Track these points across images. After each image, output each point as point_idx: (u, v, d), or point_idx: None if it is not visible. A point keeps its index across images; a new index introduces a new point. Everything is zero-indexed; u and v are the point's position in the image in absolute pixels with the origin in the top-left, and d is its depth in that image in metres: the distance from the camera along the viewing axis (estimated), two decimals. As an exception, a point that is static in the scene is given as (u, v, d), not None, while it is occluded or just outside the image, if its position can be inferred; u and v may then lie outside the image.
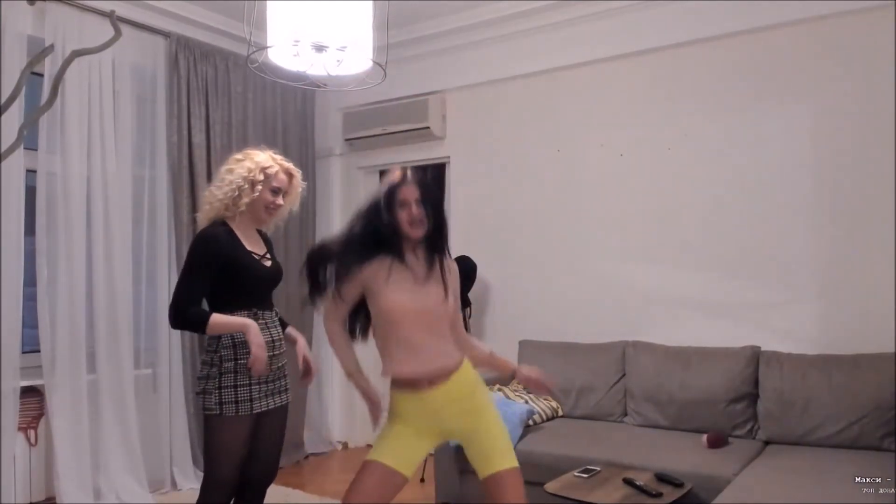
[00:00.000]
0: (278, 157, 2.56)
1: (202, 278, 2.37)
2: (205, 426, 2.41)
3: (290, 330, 2.70)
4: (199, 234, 2.42)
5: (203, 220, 2.47)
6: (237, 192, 2.41)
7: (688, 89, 3.80)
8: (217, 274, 2.38)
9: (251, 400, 2.39)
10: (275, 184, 2.49)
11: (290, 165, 2.59)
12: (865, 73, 3.33)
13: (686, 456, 3.01)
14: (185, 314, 2.33)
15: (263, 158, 2.50)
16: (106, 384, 3.73)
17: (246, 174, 2.42)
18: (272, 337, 2.52)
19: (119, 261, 3.81)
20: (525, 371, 2.36)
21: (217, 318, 2.36)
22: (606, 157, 4.05)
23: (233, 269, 2.40)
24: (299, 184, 2.64)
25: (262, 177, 2.43)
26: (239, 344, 2.39)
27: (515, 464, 2.14)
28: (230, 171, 2.46)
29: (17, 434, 3.45)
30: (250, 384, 2.40)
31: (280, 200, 2.53)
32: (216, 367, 2.37)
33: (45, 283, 3.54)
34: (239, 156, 2.52)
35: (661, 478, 2.75)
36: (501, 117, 4.43)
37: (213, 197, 2.44)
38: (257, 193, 2.43)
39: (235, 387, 2.36)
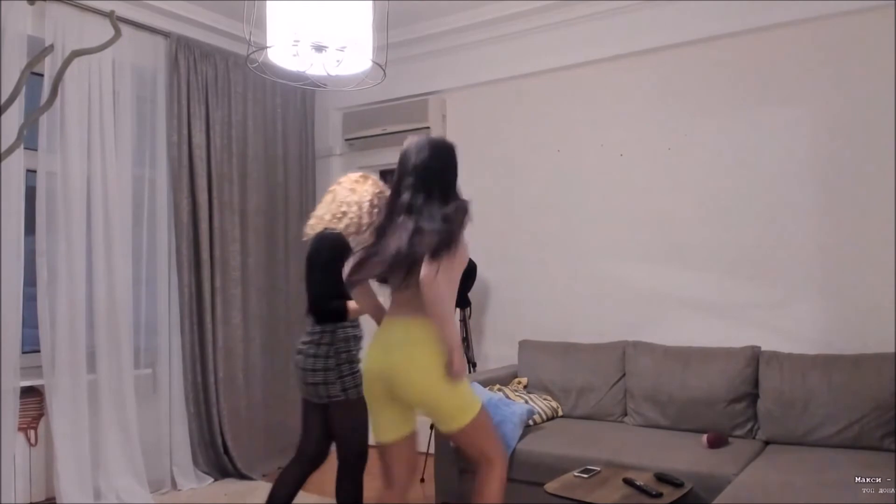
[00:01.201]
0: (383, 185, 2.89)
1: (338, 275, 2.60)
2: (332, 412, 2.77)
3: None
4: (339, 238, 2.74)
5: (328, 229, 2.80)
6: (359, 211, 2.77)
7: (688, 89, 3.80)
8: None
9: (356, 387, 2.75)
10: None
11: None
12: (865, 74, 3.33)
13: (686, 456, 3.01)
14: (331, 305, 2.73)
15: (382, 188, 2.85)
16: (106, 384, 3.73)
17: (369, 197, 2.80)
18: (357, 334, 2.87)
19: (119, 261, 3.81)
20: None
21: (352, 305, 2.74)
22: (606, 157, 4.05)
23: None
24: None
25: (377, 201, 2.79)
26: (351, 338, 2.79)
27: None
28: (352, 190, 2.81)
29: (17, 434, 3.45)
30: (358, 372, 2.76)
31: None
32: (333, 358, 2.73)
33: (45, 283, 3.54)
34: (356, 177, 2.87)
35: (661, 478, 2.75)
36: (501, 117, 4.43)
37: (340, 212, 2.78)
38: (372, 217, 2.75)
39: (353, 374, 2.74)
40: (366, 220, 2.75)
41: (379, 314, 2.56)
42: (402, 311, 2.38)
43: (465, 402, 2.36)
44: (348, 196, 2.79)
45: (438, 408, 2.36)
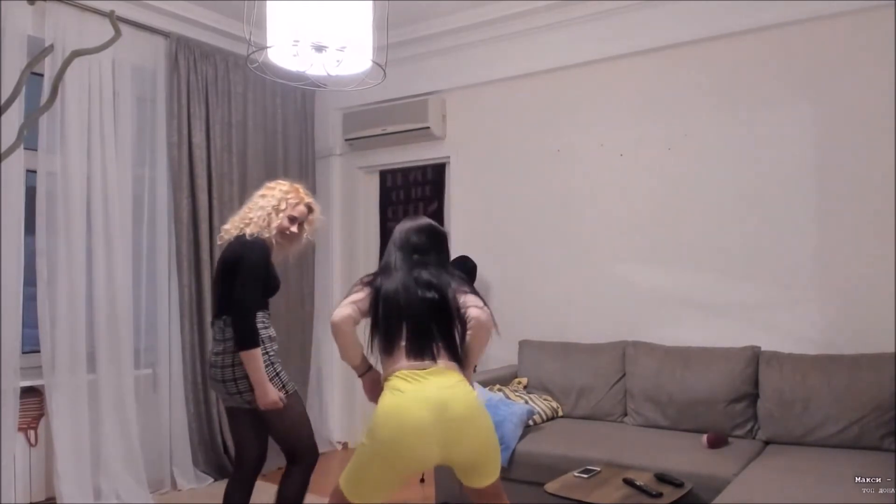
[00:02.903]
0: (302, 190, 2.87)
1: (259, 280, 2.68)
2: (267, 417, 2.67)
3: None
4: (252, 242, 2.67)
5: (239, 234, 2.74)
6: (267, 216, 2.73)
7: (688, 89, 3.80)
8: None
9: (289, 382, 2.75)
10: (293, 213, 2.79)
11: (310, 200, 2.90)
12: (865, 73, 3.33)
13: (686, 456, 3.01)
14: (249, 320, 2.61)
15: (288, 189, 2.82)
16: (106, 384, 3.73)
17: (275, 202, 2.76)
18: (271, 334, 2.77)
19: (119, 261, 3.81)
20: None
21: (258, 354, 2.62)
22: (606, 157, 4.05)
23: (267, 276, 2.74)
24: (318, 218, 2.95)
25: (283, 205, 2.76)
26: (267, 339, 2.70)
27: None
28: (262, 196, 2.80)
29: (17, 434, 3.45)
30: (282, 371, 2.73)
31: (294, 229, 2.82)
32: (230, 368, 2.65)
33: (45, 283, 3.54)
34: (271, 184, 2.86)
35: (661, 478, 2.75)
36: (501, 117, 4.43)
37: (248, 217, 2.74)
38: (280, 220, 2.74)
39: (278, 374, 2.68)
40: (274, 222, 2.73)
41: (358, 356, 2.35)
42: (440, 358, 2.20)
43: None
44: (258, 201, 2.79)
45: (493, 459, 2.24)
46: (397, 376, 2.17)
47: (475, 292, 2.31)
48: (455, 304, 2.25)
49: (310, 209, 2.88)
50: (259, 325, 2.65)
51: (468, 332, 2.25)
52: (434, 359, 2.18)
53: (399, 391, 2.12)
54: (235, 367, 2.62)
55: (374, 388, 2.34)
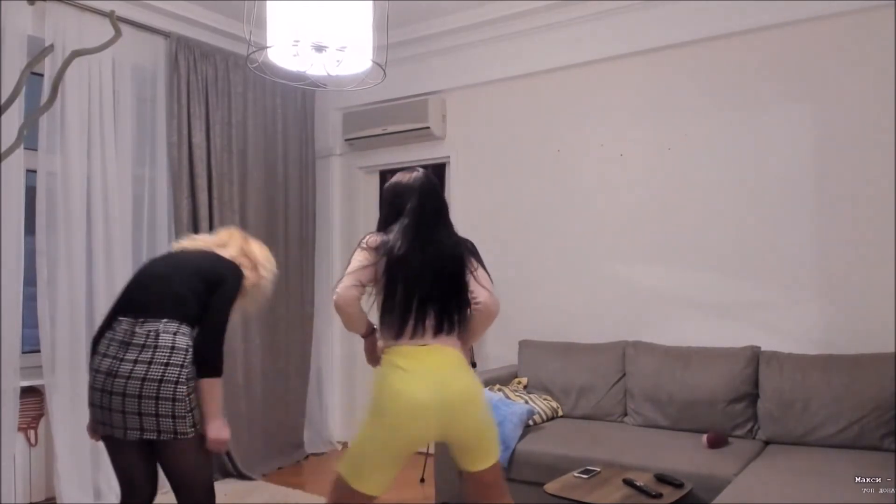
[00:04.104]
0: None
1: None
2: (174, 450, 2.26)
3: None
4: (239, 269, 2.55)
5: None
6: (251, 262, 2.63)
7: (688, 89, 3.80)
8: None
9: None
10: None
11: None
12: (865, 73, 3.33)
13: (686, 456, 3.01)
14: (222, 345, 2.42)
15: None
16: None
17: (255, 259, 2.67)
18: None
19: (119, 261, 3.81)
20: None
21: (220, 384, 2.39)
22: (606, 157, 4.05)
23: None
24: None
25: (263, 272, 2.69)
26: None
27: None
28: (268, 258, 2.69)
29: (17, 434, 3.45)
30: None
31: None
32: (184, 385, 2.24)
33: (45, 283, 3.54)
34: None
35: (661, 478, 2.75)
36: (501, 117, 4.43)
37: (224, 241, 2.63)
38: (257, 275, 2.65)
39: (198, 406, 2.31)
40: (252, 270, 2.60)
41: (363, 324, 2.32)
42: (440, 334, 2.18)
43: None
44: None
45: (491, 438, 2.23)
46: (399, 352, 2.15)
47: (483, 266, 2.29)
48: (465, 278, 2.23)
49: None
50: (191, 340, 2.33)
51: (474, 315, 2.24)
52: (437, 334, 2.16)
53: (401, 369, 2.11)
54: (164, 384, 2.19)
55: (375, 352, 2.31)
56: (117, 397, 2.19)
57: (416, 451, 2.18)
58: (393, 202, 2.30)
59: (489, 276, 2.30)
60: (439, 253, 2.20)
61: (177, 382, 2.20)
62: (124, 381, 2.18)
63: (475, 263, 2.27)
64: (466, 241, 2.33)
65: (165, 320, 2.26)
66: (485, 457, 2.21)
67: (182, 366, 2.23)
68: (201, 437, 2.30)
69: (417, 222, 2.22)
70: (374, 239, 2.22)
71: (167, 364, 2.20)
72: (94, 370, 2.27)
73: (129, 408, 2.18)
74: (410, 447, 2.15)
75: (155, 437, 2.22)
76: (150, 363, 2.19)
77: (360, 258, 2.20)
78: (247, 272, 2.55)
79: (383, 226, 2.28)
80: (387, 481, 2.15)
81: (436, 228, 2.25)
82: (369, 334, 2.34)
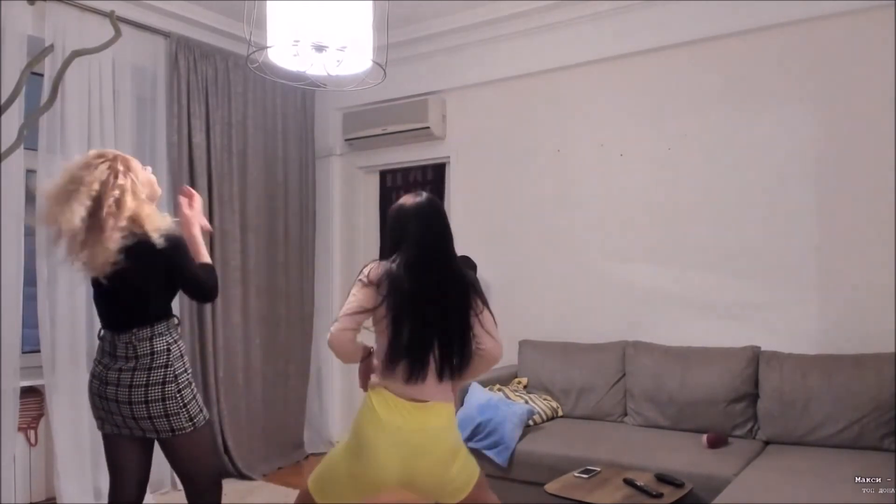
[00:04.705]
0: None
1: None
2: (174, 447, 2.30)
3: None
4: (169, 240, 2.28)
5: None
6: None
7: (687, 89, 3.80)
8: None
9: (203, 404, 2.40)
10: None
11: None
12: (865, 73, 3.33)
13: (686, 456, 3.01)
14: (215, 278, 2.35)
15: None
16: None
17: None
18: (183, 349, 2.46)
19: (119, 261, 3.80)
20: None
21: (202, 257, 2.36)
22: (606, 157, 4.05)
23: None
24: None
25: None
26: (184, 351, 2.37)
27: None
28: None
29: (17, 434, 3.45)
30: (198, 393, 2.39)
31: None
32: (172, 383, 2.26)
33: (45, 283, 3.54)
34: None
35: (661, 478, 2.75)
36: (501, 117, 4.43)
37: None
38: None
39: (195, 397, 2.34)
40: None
41: (358, 355, 2.25)
42: (438, 380, 2.10)
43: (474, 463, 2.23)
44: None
45: (464, 479, 2.16)
46: (387, 401, 2.09)
47: (487, 306, 2.18)
48: (471, 322, 2.13)
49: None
50: (175, 335, 2.33)
51: (475, 361, 2.16)
52: (431, 378, 2.08)
53: (382, 424, 2.06)
54: (150, 387, 2.22)
55: (368, 377, 2.26)
56: (112, 403, 2.25)
57: (378, 491, 2.14)
58: (395, 228, 2.20)
59: (493, 317, 2.19)
60: (444, 294, 2.11)
61: (164, 382, 2.24)
62: (114, 388, 2.24)
63: (480, 305, 2.15)
64: (468, 275, 2.22)
65: (135, 329, 2.26)
66: (460, 489, 2.16)
67: (166, 365, 2.26)
68: (202, 431, 2.33)
69: (419, 255, 2.11)
70: (377, 272, 2.09)
71: (150, 369, 2.24)
72: (90, 374, 2.33)
73: (124, 412, 2.24)
74: (371, 487, 2.13)
75: (154, 437, 2.28)
76: (133, 370, 2.23)
77: (360, 297, 2.09)
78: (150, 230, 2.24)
79: (387, 253, 2.18)
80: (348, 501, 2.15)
81: (440, 263, 2.14)
82: (365, 357, 2.27)
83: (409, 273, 2.07)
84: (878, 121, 3.29)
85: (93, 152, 2.31)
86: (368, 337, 2.18)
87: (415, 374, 2.06)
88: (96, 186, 2.17)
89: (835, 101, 3.41)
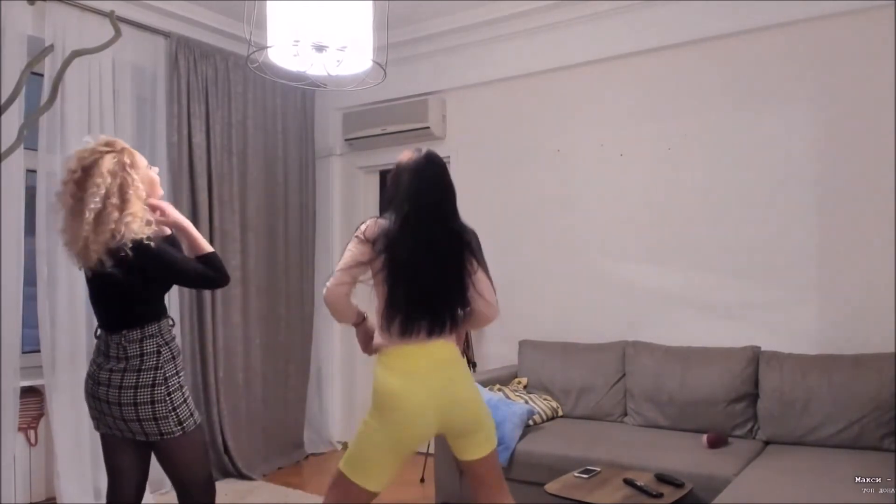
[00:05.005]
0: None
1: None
2: (165, 450, 2.28)
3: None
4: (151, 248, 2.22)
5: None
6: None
7: (688, 89, 3.80)
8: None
9: (195, 408, 2.36)
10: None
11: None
12: (865, 73, 3.33)
13: (686, 456, 3.01)
14: (215, 265, 2.32)
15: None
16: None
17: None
18: (178, 347, 2.43)
19: (119, 261, 3.80)
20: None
21: (199, 250, 2.33)
22: (606, 157, 4.05)
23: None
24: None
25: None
26: (175, 353, 2.31)
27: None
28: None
29: (17, 434, 3.45)
30: (189, 397, 2.33)
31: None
32: (162, 385, 2.22)
33: (45, 283, 3.53)
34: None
35: (662, 478, 2.75)
36: (501, 117, 4.43)
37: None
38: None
39: (186, 400, 2.29)
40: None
41: (353, 315, 2.27)
42: (436, 335, 2.16)
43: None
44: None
45: (489, 427, 2.23)
46: (396, 353, 2.13)
47: (483, 266, 2.23)
48: (467, 279, 2.19)
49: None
50: (167, 337, 2.29)
51: (470, 320, 2.24)
52: (432, 334, 2.13)
53: (400, 373, 2.11)
54: (139, 389, 2.19)
55: (369, 341, 2.27)
56: (103, 403, 2.23)
57: (418, 448, 2.19)
58: (393, 184, 2.24)
59: (489, 277, 2.25)
60: (439, 251, 2.15)
61: (153, 385, 2.21)
62: (106, 388, 2.21)
63: (475, 265, 2.21)
64: (469, 234, 2.25)
65: (125, 331, 2.23)
66: (481, 445, 2.20)
67: (156, 367, 2.23)
68: (192, 436, 2.30)
69: (415, 212, 2.13)
70: (373, 229, 2.12)
71: (139, 370, 2.21)
72: (87, 373, 2.32)
73: (115, 413, 2.22)
74: (412, 446, 2.16)
75: (144, 440, 2.25)
76: (123, 372, 2.20)
77: (355, 252, 2.13)
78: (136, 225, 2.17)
79: (386, 207, 2.21)
80: (389, 478, 2.16)
81: (436, 220, 2.16)
82: (360, 322, 2.30)
83: (404, 229, 2.11)
84: (878, 121, 3.29)
85: (103, 138, 2.29)
86: (364, 302, 2.21)
87: (409, 328, 2.10)
88: (105, 179, 2.15)
89: (835, 101, 3.41)
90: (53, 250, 3.57)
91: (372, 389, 2.16)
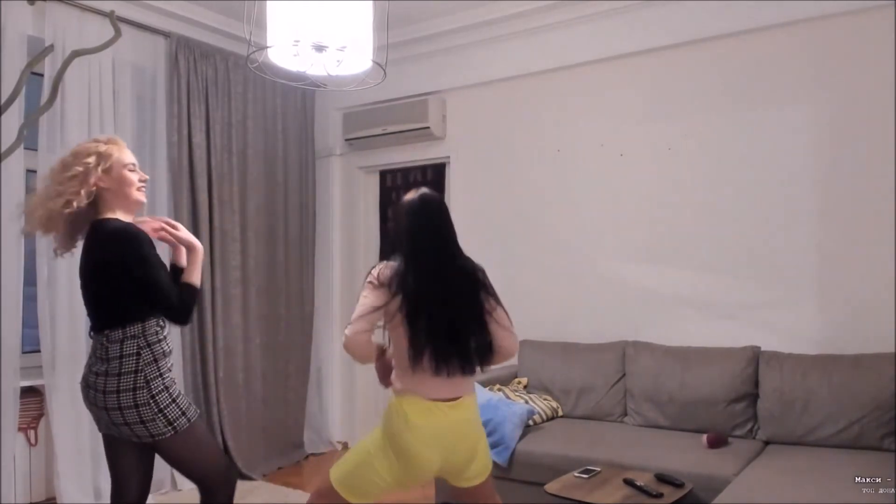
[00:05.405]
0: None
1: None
2: (161, 450, 2.26)
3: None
4: (126, 229, 2.20)
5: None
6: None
7: (688, 89, 3.80)
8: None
9: (189, 405, 2.29)
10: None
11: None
12: (865, 73, 3.33)
13: (686, 456, 3.01)
14: (187, 301, 2.24)
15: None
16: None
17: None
18: (165, 349, 2.34)
19: (119, 261, 3.80)
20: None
21: (191, 277, 2.28)
22: (606, 157, 4.05)
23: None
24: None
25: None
26: (158, 355, 2.23)
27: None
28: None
29: (17, 434, 3.45)
30: (180, 395, 2.27)
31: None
32: (144, 389, 2.16)
33: (45, 283, 3.54)
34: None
35: (661, 478, 2.75)
36: (501, 117, 4.43)
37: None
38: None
39: (175, 400, 2.23)
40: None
41: (373, 355, 2.27)
42: (459, 375, 2.15)
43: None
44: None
45: (484, 462, 2.27)
46: (417, 406, 2.12)
47: (498, 301, 2.25)
48: (484, 317, 2.20)
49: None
50: (151, 339, 2.22)
51: (494, 357, 2.23)
52: (455, 374, 2.13)
53: (416, 426, 2.11)
54: (121, 393, 2.14)
55: (387, 374, 2.27)
56: (93, 406, 2.22)
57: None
58: (394, 226, 2.28)
59: (506, 312, 2.26)
60: (453, 285, 2.16)
61: (134, 389, 2.16)
62: (94, 392, 2.19)
63: (493, 303, 2.22)
64: (476, 270, 2.28)
65: (107, 331, 2.19)
66: (477, 477, 2.26)
67: (136, 371, 2.17)
68: (187, 434, 2.24)
69: (420, 250, 2.15)
70: (386, 274, 2.12)
71: (119, 374, 2.16)
72: (82, 376, 2.30)
73: (104, 417, 2.20)
74: (414, 482, 2.25)
75: (138, 441, 2.22)
76: (106, 376, 2.17)
77: (371, 298, 2.11)
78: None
79: (388, 251, 2.23)
80: (377, 496, 2.21)
81: (442, 256, 2.19)
82: (380, 355, 2.28)
83: (414, 266, 2.12)
84: (878, 121, 3.29)
85: (104, 138, 2.34)
86: (379, 335, 2.22)
87: (441, 362, 2.10)
88: (77, 157, 2.21)
89: (835, 101, 3.41)
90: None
91: (384, 427, 2.17)
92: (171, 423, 2.20)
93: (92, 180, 2.19)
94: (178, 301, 2.21)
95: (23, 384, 3.45)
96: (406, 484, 2.21)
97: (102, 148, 2.25)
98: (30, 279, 3.54)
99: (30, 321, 3.56)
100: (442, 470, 2.21)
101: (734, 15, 3.60)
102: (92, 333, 2.27)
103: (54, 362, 3.53)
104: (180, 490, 3.98)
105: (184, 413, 2.24)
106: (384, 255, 2.23)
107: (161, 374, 2.22)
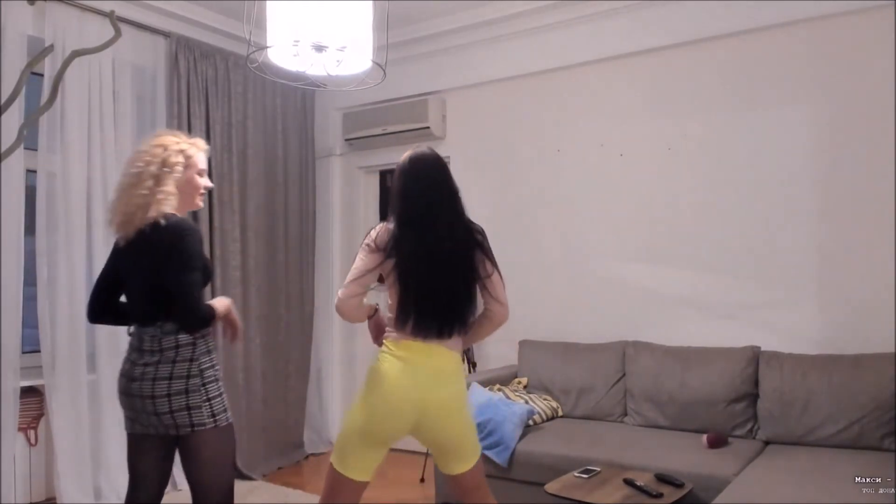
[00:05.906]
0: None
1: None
2: (195, 443, 2.22)
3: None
4: (187, 225, 2.24)
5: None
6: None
7: (688, 89, 3.80)
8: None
9: (228, 408, 2.33)
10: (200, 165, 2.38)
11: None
12: (865, 73, 3.33)
13: (686, 456, 3.01)
14: (203, 312, 2.23)
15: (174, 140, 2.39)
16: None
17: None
18: (210, 346, 2.38)
19: (119, 261, 3.80)
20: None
21: (216, 304, 2.30)
22: (606, 157, 4.05)
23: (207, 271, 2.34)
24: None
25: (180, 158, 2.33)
26: (212, 347, 2.29)
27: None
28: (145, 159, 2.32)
29: (17, 434, 3.45)
30: (224, 392, 2.30)
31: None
32: (197, 377, 2.20)
33: (45, 283, 3.54)
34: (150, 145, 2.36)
35: (661, 478, 2.75)
36: (501, 117, 4.43)
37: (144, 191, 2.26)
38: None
39: (221, 394, 2.26)
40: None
41: (364, 315, 2.32)
42: (446, 336, 2.17)
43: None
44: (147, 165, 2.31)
45: (470, 444, 2.25)
46: (400, 344, 2.15)
47: (495, 265, 2.26)
48: (477, 278, 2.21)
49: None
50: (205, 331, 2.26)
51: (482, 322, 2.27)
52: (442, 335, 2.14)
53: (396, 358, 2.14)
54: (174, 380, 2.17)
55: (380, 333, 2.29)
56: (136, 399, 2.21)
57: (394, 441, 2.19)
58: (395, 188, 2.27)
59: (501, 276, 2.28)
60: (443, 253, 2.16)
61: (187, 376, 2.19)
62: (139, 383, 2.19)
63: (489, 268, 2.24)
64: (477, 232, 2.29)
65: (159, 322, 2.21)
66: (462, 462, 2.24)
67: (191, 360, 2.21)
68: (222, 433, 2.25)
69: (410, 214, 2.17)
70: (382, 237, 2.16)
71: (174, 361, 2.18)
72: (119, 372, 2.30)
73: (147, 408, 2.19)
74: (385, 432, 2.15)
75: (175, 433, 2.22)
76: (158, 364, 2.18)
77: (366, 261, 2.16)
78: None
79: (391, 212, 2.24)
80: (368, 467, 2.17)
81: (434, 220, 2.18)
82: (372, 315, 2.34)
83: (403, 231, 2.14)
84: (878, 121, 3.29)
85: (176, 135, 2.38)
86: (375, 296, 2.23)
87: (422, 331, 2.13)
88: (152, 153, 2.26)
89: (835, 102, 3.41)
90: (53, 250, 3.58)
91: (366, 374, 2.20)
92: (214, 415, 2.21)
93: (179, 184, 2.27)
94: (204, 310, 2.23)
95: (23, 384, 3.45)
96: (377, 426, 2.12)
97: (189, 150, 2.33)
98: (30, 279, 3.54)
99: (30, 321, 3.56)
100: (420, 425, 2.14)
101: (734, 15, 3.60)
102: (134, 329, 2.27)
103: (54, 362, 3.53)
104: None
105: (225, 410, 2.26)
106: (383, 216, 2.23)
107: (213, 366, 2.26)
